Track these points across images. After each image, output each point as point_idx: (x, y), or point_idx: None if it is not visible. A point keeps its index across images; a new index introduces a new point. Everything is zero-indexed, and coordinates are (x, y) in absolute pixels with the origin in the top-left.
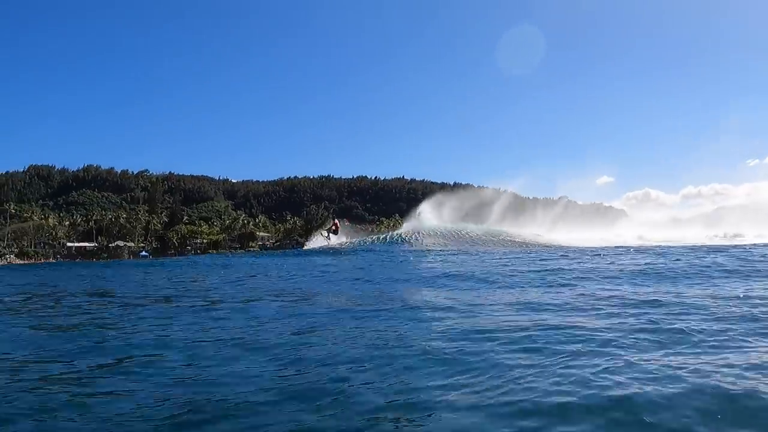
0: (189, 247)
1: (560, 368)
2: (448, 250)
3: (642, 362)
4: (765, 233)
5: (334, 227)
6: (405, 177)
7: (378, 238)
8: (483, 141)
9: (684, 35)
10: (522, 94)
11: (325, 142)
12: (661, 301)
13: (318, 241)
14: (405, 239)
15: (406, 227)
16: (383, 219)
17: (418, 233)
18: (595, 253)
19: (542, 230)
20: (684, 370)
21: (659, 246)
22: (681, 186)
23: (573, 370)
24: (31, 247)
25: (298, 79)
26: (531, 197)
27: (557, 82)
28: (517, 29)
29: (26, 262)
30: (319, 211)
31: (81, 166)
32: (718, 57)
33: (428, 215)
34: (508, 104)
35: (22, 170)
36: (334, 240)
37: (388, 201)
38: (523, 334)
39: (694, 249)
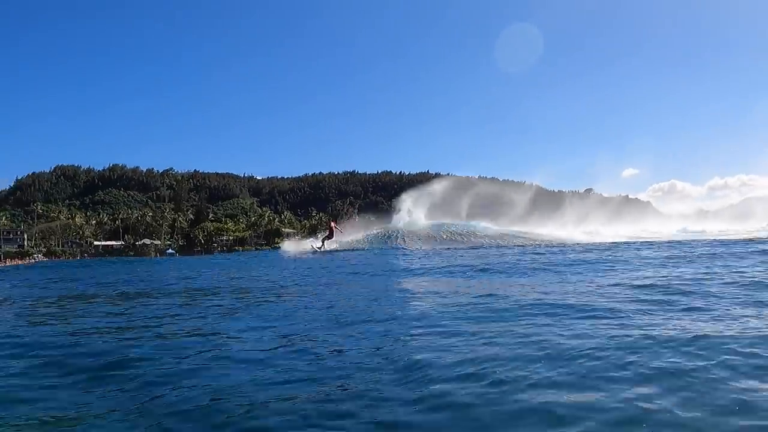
0: (215, 245)
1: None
2: (463, 247)
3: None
4: None
5: (328, 232)
6: (430, 171)
7: (381, 236)
8: (508, 135)
9: (709, 28)
10: (545, 88)
11: (349, 138)
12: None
13: (301, 246)
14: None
15: (405, 224)
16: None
17: (419, 233)
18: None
19: (567, 228)
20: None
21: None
22: (707, 177)
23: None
24: (58, 246)
25: (321, 75)
26: (557, 190)
27: (580, 76)
28: (526, 26)
29: (53, 260)
30: (345, 206)
31: (107, 166)
32: (741, 49)
33: (419, 213)
34: (530, 99)
35: (48, 171)
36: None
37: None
38: (555, 314)
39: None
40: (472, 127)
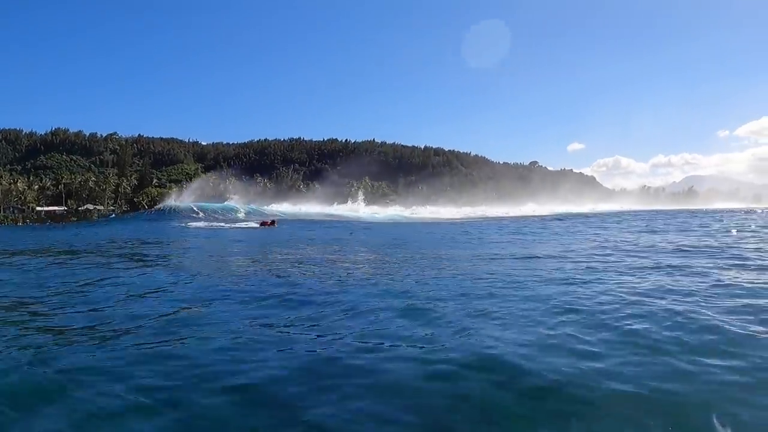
0: None
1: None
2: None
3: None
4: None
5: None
6: (376, 140)
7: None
8: (458, 108)
9: (659, 9)
10: (495, 66)
11: (295, 104)
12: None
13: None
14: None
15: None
16: (353, 182)
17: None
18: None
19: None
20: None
21: None
22: (651, 154)
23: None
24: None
25: (268, 39)
26: (501, 162)
27: (526, 54)
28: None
29: None
30: (290, 173)
31: (49, 130)
32: (689, 31)
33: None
34: (480, 73)
35: None
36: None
37: (360, 164)
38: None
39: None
40: (417, 96)
